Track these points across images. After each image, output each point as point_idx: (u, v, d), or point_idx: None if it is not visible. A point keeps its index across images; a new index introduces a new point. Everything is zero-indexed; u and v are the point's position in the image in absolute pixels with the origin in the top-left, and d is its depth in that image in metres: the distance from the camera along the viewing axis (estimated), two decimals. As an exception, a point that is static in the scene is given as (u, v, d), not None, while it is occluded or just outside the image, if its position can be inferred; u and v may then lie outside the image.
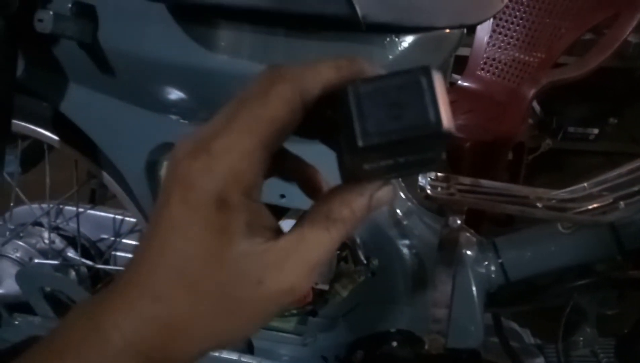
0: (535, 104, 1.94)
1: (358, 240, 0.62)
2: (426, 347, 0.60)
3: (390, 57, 0.54)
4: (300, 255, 0.21)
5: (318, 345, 0.66)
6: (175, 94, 0.61)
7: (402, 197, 0.67)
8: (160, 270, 0.20)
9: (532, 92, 1.24)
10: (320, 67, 0.20)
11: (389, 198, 0.23)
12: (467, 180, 0.71)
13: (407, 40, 0.53)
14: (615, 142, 2.09)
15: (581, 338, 0.65)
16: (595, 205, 0.58)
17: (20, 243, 0.83)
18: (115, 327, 0.20)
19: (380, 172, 0.21)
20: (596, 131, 2.08)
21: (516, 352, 0.61)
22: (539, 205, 0.60)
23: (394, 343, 0.61)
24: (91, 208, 0.90)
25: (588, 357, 0.64)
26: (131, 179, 0.67)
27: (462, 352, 0.60)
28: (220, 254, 0.20)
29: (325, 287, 0.60)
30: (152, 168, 0.65)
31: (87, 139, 0.67)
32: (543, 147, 1.94)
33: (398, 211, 0.64)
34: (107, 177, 0.74)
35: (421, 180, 0.59)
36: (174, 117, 0.63)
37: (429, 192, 0.59)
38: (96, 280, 0.87)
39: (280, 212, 0.64)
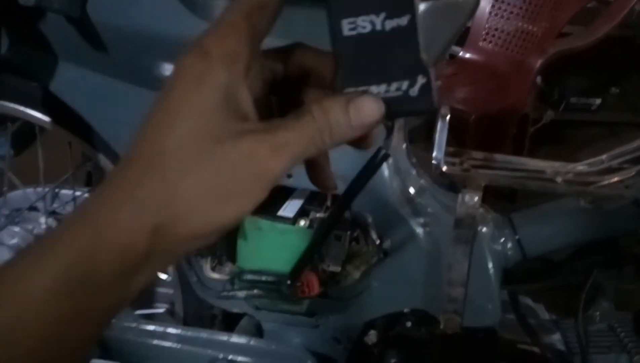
0: (536, 75, 1.91)
1: (370, 220, 0.59)
2: (441, 326, 0.59)
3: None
4: (272, 139, 0.21)
5: (330, 327, 0.65)
6: (171, 70, 0.57)
7: (414, 174, 0.64)
8: (168, 148, 0.21)
9: (539, 63, 1.21)
10: None
11: (371, 112, 0.22)
12: (479, 154, 0.69)
13: (419, 8, 0.50)
14: (618, 112, 2.07)
15: (598, 313, 0.64)
16: (617, 179, 0.55)
17: (17, 229, 0.80)
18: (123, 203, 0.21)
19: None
20: (598, 101, 2.05)
21: (533, 328, 0.60)
22: (559, 179, 0.58)
23: (408, 324, 0.59)
24: (88, 192, 0.86)
25: (605, 332, 0.62)
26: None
27: (478, 331, 0.59)
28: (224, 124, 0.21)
29: (337, 269, 0.58)
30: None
31: (81, 119, 0.64)
32: (545, 118, 1.91)
33: (411, 189, 0.62)
34: (103, 159, 0.70)
35: (436, 156, 0.56)
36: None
37: (444, 169, 0.56)
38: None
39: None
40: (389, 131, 0.21)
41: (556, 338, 0.63)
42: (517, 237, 0.60)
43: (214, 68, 0.21)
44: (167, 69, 0.57)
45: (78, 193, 0.84)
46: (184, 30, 0.52)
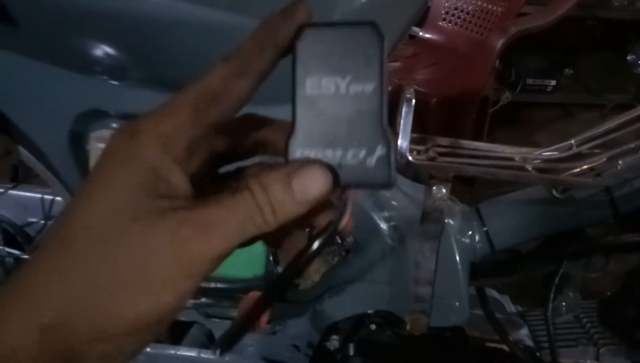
0: (494, 56, 1.90)
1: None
2: (408, 327, 0.55)
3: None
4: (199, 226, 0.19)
5: (288, 333, 0.59)
6: (100, 49, 0.49)
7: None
8: (77, 231, 0.18)
9: (500, 43, 1.18)
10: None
11: (317, 183, 0.20)
12: (445, 141, 0.65)
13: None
14: (571, 93, 2.11)
15: (564, 304, 0.62)
16: (588, 166, 0.52)
17: None
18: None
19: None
20: (553, 83, 2.08)
21: (502, 324, 0.57)
22: (529, 167, 0.54)
23: (373, 326, 0.55)
24: (13, 188, 0.76)
25: (572, 324, 0.61)
26: (52, 154, 0.55)
27: (446, 330, 0.55)
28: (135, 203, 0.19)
29: (295, 272, 0.52)
30: (77, 140, 0.53)
31: (-6, 107, 0.54)
32: (502, 100, 1.92)
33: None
34: (24, 153, 0.61)
35: (400, 144, 0.51)
36: (100, 77, 0.51)
37: (410, 158, 0.51)
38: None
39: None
40: (341, 211, 0.19)
41: (524, 333, 0.61)
42: (485, 228, 0.57)
43: (143, 148, 0.19)
44: (90, 46, 0.48)
45: (1, 189, 0.74)
46: (115, 3, 0.44)
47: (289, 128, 0.21)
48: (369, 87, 0.21)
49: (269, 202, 0.19)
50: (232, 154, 0.24)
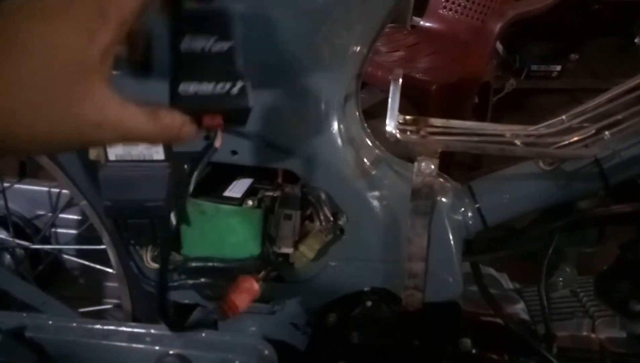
0: (498, 44, 1.89)
1: (323, 196, 0.55)
2: (403, 303, 0.56)
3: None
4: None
5: (287, 312, 0.61)
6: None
7: (368, 145, 0.60)
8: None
9: (497, 27, 1.18)
10: None
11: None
12: (437, 121, 0.65)
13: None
14: (577, 78, 2.09)
15: (560, 279, 0.63)
16: (577, 138, 0.53)
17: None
18: None
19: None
20: (559, 68, 2.06)
21: (496, 299, 0.58)
22: (518, 142, 0.55)
23: (369, 303, 0.56)
24: (20, 182, 0.79)
25: (568, 298, 0.61)
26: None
27: (440, 305, 0.56)
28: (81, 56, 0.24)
29: (290, 250, 0.53)
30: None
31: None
32: (507, 87, 1.91)
33: (365, 160, 0.58)
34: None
35: (389, 124, 0.52)
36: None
37: (398, 136, 0.52)
38: (36, 261, 0.78)
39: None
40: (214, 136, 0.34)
41: (520, 307, 0.61)
42: (477, 205, 0.58)
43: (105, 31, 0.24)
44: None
45: (8, 184, 0.77)
46: None
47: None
48: (225, 45, 0.31)
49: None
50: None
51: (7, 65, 0.22)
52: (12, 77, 0.22)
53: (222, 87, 0.30)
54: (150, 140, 0.28)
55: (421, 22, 1.72)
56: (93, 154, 0.53)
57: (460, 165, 1.34)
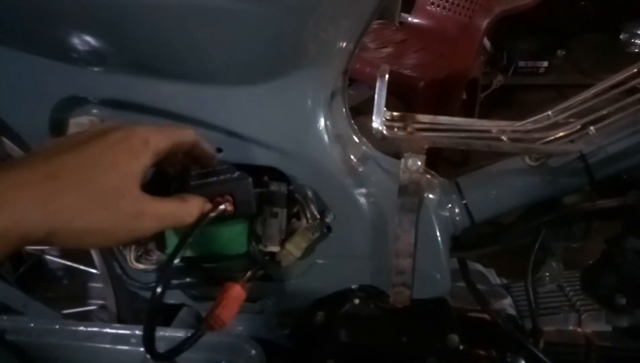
0: (485, 40, 1.90)
1: (309, 194, 0.55)
2: (391, 300, 0.56)
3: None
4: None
5: (275, 311, 0.60)
6: (77, 36, 0.49)
7: (355, 141, 0.60)
8: (62, 152, 0.32)
9: (485, 23, 1.18)
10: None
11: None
12: (425, 117, 0.65)
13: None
14: (564, 75, 2.11)
15: (547, 274, 0.63)
16: (562, 133, 0.53)
17: None
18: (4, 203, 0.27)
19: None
20: (546, 64, 2.08)
21: (484, 295, 0.58)
22: (504, 138, 0.55)
23: (356, 301, 0.56)
24: None
25: (554, 292, 0.61)
26: (34, 143, 0.56)
27: (428, 302, 0.56)
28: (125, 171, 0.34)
29: (276, 249, 0.53)
30: (57, 127, 0.54)
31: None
32: (495, 83, 1.92)
33: (352, 157, 0.57)
34: (8, 143, 0.62)
35: (375, 120, 0.52)
36: (78, 64, 0.52)
37: (384, 132, 0.52)
38: (19, 262, 0.76)
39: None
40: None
41: (507, 303, 0.61)
42: (464, 201, 0.57)
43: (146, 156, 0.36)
44: (66, 33, 0.49)
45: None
46: None
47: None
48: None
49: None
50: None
51: (86, 176, 0.31)
52: (89, 184, 0.31)
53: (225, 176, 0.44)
54: (182, 219, 0.38)
55: (409, 19, 1.71)
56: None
57: (447, 162, 1.34)
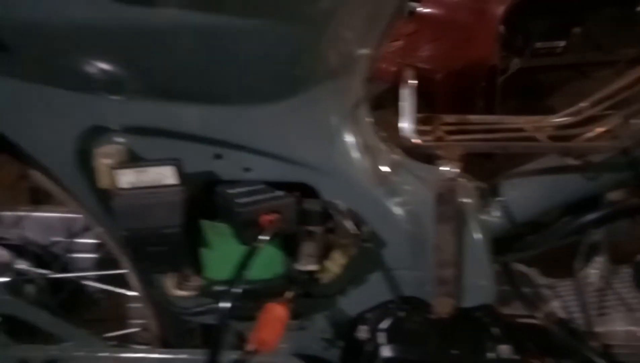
0: (498, 24, 1.85)
1: (343, 208, 0.53)
2: (435, 311, 0.54)
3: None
4: None
5: (317, 327, 0.59)
6: (97, 66, 0.49)
7: (383, 149, 0.58)
8: None
9: (501, 9, 1.15)
10: None
11: None
12: (451, 118, 0.64)
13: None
14: (583, 53, 2.04)
15: (594, 271, 0.61)
16: (604, 129, 0.51)
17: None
18: None
19: None
20: (563, 43, 2.01)
21: (531, 299, 0.56)
22: (541, 136, 0.53)
23: (400, 313, 0.55)
24: (34, 211, 0.78)
25: (604, 291, 0.59)
26: (62, 174, 0.56)
27: (474, 310, 0.54)
28: None
29: (315, 267, 0.52)
30: (84, 158, 0.53)
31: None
32: (512, 67, 1.87)
33: (382, 166, 0.56)
34: (37, 175, 0.62)
35: (404, 127, 0.50)
36: (97, 93, 0.51)
37: (414, 140, 0.50)
38: (57, 288, 0.77)
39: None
40: None
41: (555, 305, 0.59)
42: (503, 204, 0.56)
43: None
44: (86, 65, 0.48)
45: (22, 214, 0.76)
46: (95, 13, 0.44)
47: None
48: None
49: None
50: None
51: None
52: None
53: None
54: None
55: (418, 8, 1.68)
56: (103, 182, 0.51)
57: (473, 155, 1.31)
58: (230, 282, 0.53)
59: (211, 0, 0.44)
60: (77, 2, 0.44)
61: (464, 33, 1.41)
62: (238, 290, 0.41)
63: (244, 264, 0.40)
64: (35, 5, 0.44)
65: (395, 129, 0.57)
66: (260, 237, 0.43)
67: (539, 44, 2.02)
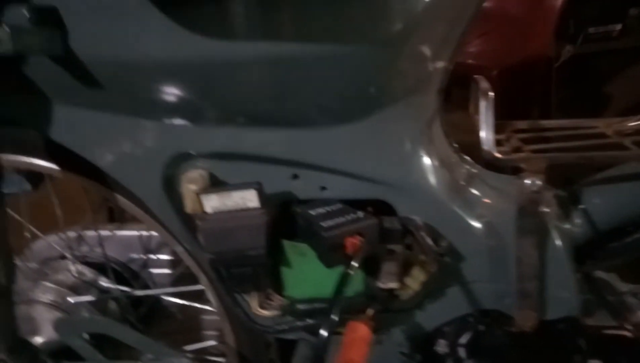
0: (547, 10, 1.78)
1: (421, 224, 0.53)
2: (517, 324, 0.54)
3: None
4: None
5: (394, 341, 0.60)
6: (175, 96, 0.51)
7: (458, 162, 0.58)
8: None
9: (560, 2, 1.10)
10: None
11: None
12: (523, 124, 0.62)
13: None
14: (641, 35, 1.93)
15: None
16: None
17: (48, 284, 0.77)
18: None
19: None
20: (619, 27, 1.91)
21: (618, 308, 0.54)
22: (627, 143, 0.51)
23: (481, 327, 0.54)
24: (114, 230, 0.83)
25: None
26: (149, 200, 0.58)
27: (558, 322, 0.53)
28: None
29: (395, 285, 0.52)
30: (170, 184, 0.56)
31: (87, 161, 0.59)
32: (564, 55, 1.79)
33: (458, 179, 0.55)
34: (122, 199, 0.66)
35: (486, 143, 0.50)
36: (180, 121, 0.54)
37: (496, 154, 0.50)
38: (136, 303, 0.81)
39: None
40: None
41: (644, 314, 0.57)
42: (586, 211, 0.54)
43: None
44: (169, 95, 0.51)
45: (104, 233, 0.81)
46: (178, 48, 0.46)
47: None
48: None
49: None
50: None
51: None
52: None
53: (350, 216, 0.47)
54: None
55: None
56: (190, 207, 0.54)
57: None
58: (312, 301, 0.55)
59: (291, 30, 0.45)
60: (164, 39, 0.46)
61: (514, 27, 1.37)
62: (335, 318, 0.42)
63: (339, 291, 0.41)
64: (125, 44, 0.46)
65: (468, 144, 0.57)
66: (352, 263, 0.44)
67: (592, 29, 1.92)
